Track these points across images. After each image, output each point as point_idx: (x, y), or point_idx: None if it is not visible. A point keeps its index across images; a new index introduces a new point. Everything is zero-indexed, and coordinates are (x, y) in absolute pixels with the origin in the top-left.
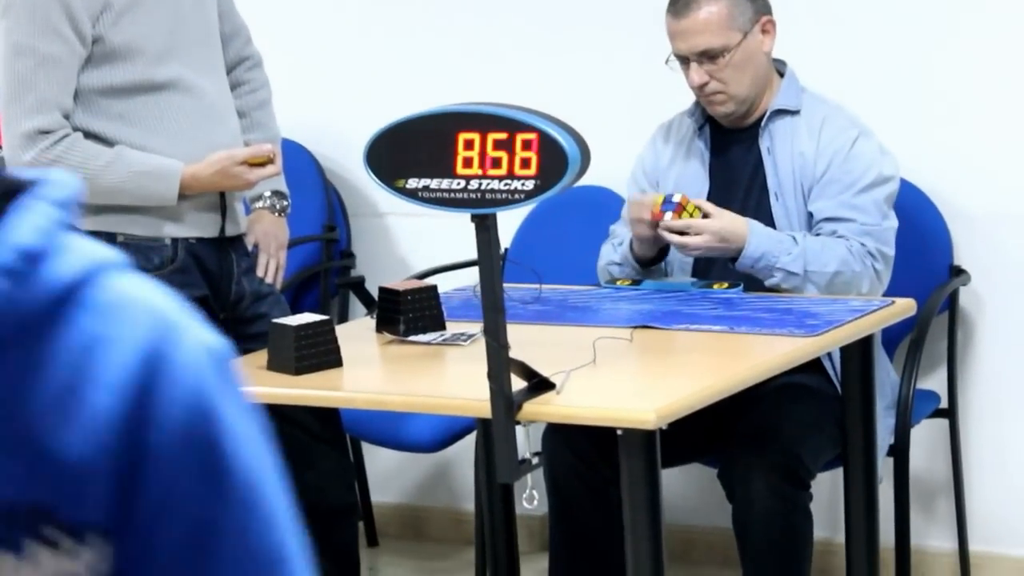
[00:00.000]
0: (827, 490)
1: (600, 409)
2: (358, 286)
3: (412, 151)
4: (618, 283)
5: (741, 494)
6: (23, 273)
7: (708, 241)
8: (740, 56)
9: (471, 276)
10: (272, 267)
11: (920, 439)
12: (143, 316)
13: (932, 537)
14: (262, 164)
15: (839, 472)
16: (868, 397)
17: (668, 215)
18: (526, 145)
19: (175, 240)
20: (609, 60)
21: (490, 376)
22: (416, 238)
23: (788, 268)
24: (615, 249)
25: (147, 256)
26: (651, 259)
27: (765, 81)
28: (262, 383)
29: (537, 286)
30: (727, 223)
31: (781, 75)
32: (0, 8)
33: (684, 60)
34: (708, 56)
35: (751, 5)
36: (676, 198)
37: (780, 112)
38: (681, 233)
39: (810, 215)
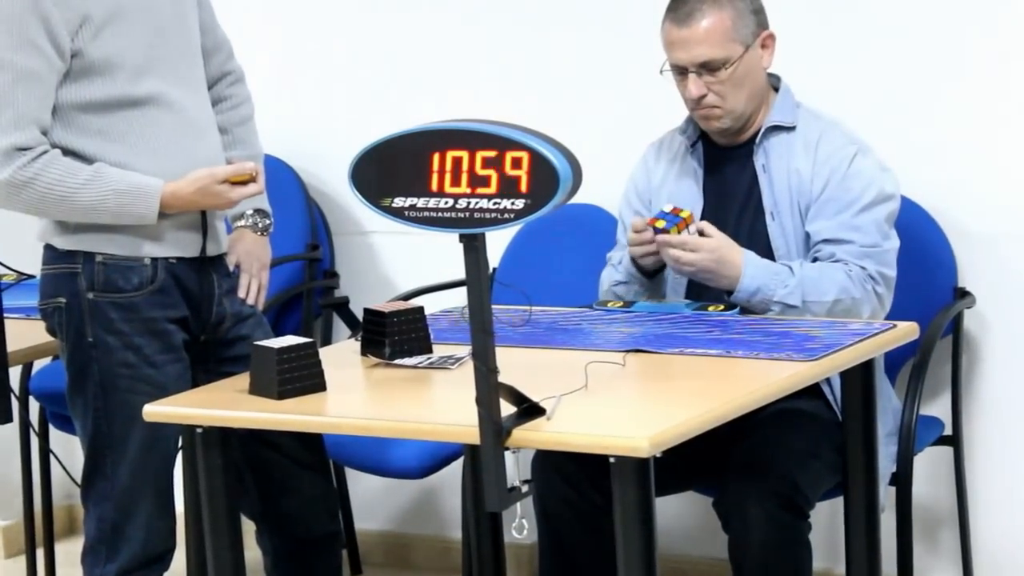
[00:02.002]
0: (826, 519)
1: (592, 436)
2: (342, 307)
3: (399, 169)
4: (610, 305)
5: (737, 523)
6: None
7: (703, 259)
8: (740, 70)
9: (458, 297)
10: (254, 288)
11: (923, 467)
12: None
13: (936, 569)
14: (244, 182)
15: (839, 501)
16: (869, 423)
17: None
18: (516, 163)
19: (155, 260)
20: (600, 77)
21: (478, 401)
22: (402, 257)
23: (786, 301)
24: (616, 269)
25: (126, 276)
26: (655, 270)
27: (762, 97)
28: (244, 407)
29: (527, 308)
30: (724, 244)
31: (776, 90)
32: None
33: (681, 71)
34: (708, 68)
35: (753, 18)
36: (683, 214)
37: (775, 128)
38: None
39: (807, 235)
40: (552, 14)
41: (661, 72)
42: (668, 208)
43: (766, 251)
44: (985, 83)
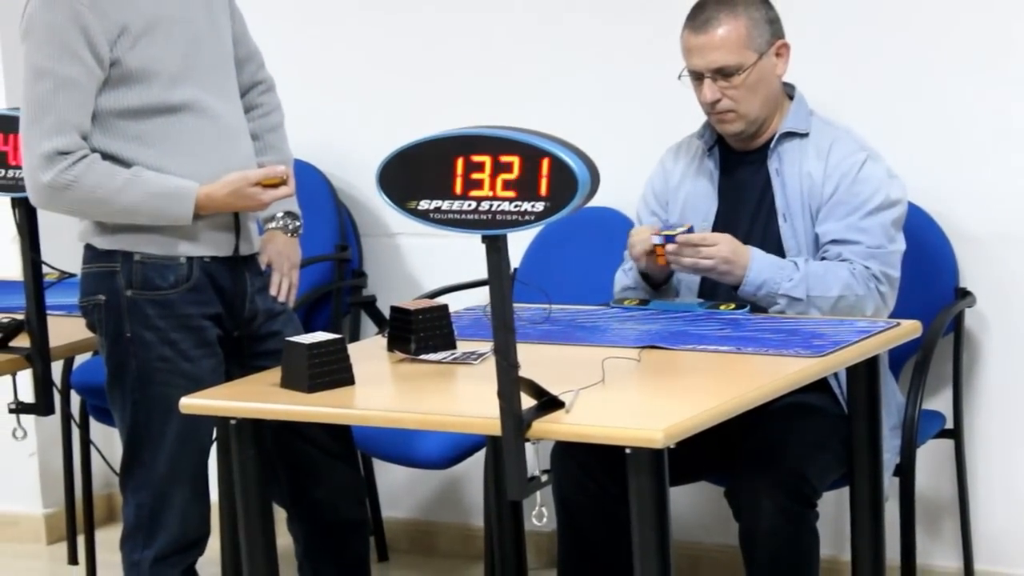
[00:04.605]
0: (833, 508)
1: (609, 428)
2: (370, 305)
3: (424, 173)
4: (626, 303)
5: (748, 513)
6: None
7: (723, 251)
8: (754, 76)
9: (481, 296)
10: (285, 286)
11: (926, 459)
12: None
13: (938, 556)
14: (275, 185)
15: (845, 491)
16: (874, 417)
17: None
18: (536, 167)
19: (190, 259)
20: (618, 83)
21: (500, 394)
22: (427, 258)
23: (791, 294)
24: (626, 274)
25: (163, 274)
26: (661, 280)
27: (776, 103)
28: (276, 400)
29: (546, 306)
30: (732, 238)
31: (791, 98)
32: (20, 32)
33: (698, 76)
34: (723, 73)
35: (768, 28)
36: (683, 227)
37: (789, 134)
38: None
39: (817, 236)
40: (573, 22)
41: (679, 77)
42: (679, 229)
43: (778, 251)
44: (985, 90)
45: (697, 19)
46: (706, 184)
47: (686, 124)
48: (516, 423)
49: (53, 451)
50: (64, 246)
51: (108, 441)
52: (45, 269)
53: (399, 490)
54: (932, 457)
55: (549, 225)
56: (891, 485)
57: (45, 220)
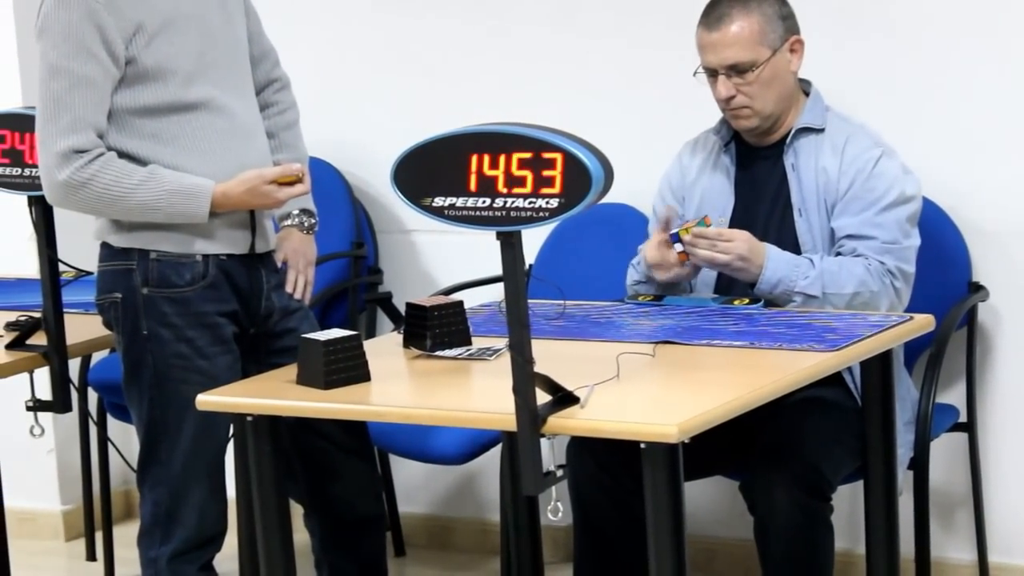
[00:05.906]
0: (848, 502)
1: (623, 423)
2: (385, 302)
3: (438, 170)
4: (640, 299)
5: (763, 506)
6: None
7: (739, 247)
8: (768, 72)
9: (496, 292)
10: (301, 283)
11: (939, 452)
12: None
13: (951, 549)
14: (291, 183)
15: (859, 484)
16: (888, 411)
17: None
18: (550, 164)
19: (206, 256)
20: (632, 79)
21: (516, 390)
22: (442, 255)
23: (806, 292)
24: (636, 268)
25: (179, 272)
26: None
27: (790, 99)
28: (292, 397)
29: (561, 302)
30: (750, 236)
31: (807, 94)
32: (36, 30)
33: (712, 73)
34: (736, 70)
35: (782, 24)
36: (693, 221)
37: (805, 130)
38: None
39: (832, 231)
40: (587, 19)
41: (695, 74)
42: (686, 221)
43: (793, 246)
44: (999, 85)
45: (710, 16)
46: (723, 180)
47: (701, 120)
48: (531, 418)
49: (71, 448)
50: (81, 244)
51: (125, 438)
52: (62, 267)
53: (415, 485)
54: (946, 450)
55: (564, 221)
56: (905, 478)
57: (61, 218)
